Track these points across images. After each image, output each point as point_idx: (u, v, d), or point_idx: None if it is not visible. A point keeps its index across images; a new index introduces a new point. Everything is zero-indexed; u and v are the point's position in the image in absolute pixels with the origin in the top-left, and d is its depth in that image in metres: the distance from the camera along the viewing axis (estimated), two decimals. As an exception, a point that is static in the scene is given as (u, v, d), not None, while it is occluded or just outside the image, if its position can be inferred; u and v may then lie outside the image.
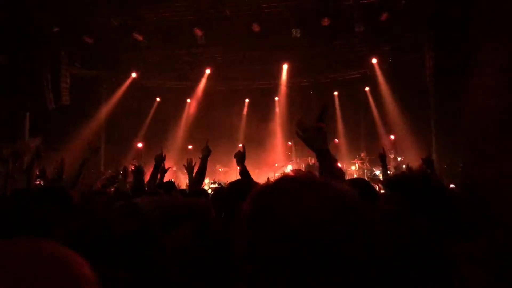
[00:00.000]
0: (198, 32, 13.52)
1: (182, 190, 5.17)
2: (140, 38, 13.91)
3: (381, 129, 15.95)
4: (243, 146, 4.32)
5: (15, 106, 10.91)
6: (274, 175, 13.09)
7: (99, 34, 13.81)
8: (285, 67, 16.21)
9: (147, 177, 5.06)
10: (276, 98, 17.93)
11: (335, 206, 0.81)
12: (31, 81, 12.71)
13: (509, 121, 0.85)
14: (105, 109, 15.52)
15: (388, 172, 7.28)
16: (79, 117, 13.87)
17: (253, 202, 0.88)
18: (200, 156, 4.61)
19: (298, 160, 16.23)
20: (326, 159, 2.03)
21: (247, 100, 18.25)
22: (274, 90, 17.51)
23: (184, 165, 4.97)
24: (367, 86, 16.37)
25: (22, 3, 10.56)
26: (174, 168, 14.09)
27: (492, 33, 0.94)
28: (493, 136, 0.84)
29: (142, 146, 16.47)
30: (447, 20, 11.07)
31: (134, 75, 15.88)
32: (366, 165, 14.43)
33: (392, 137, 15.21)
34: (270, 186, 0.91)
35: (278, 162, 16.42)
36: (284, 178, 0.93)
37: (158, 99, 17.71)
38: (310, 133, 2.07)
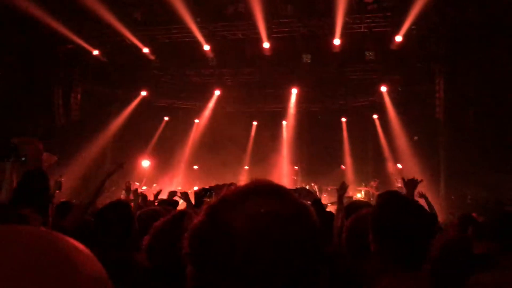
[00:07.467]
0: (209, 53, 13.70)
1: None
2: (152, 57, 14.10)
3: (388, 157, 15.84)
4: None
5: (25, 120, 10.92)
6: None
7: (112, 52, 14.01)
8: (294, 91, 16.28)
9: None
10: (284, 122, 17.95)
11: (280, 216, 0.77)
12: (42, 96, 12.82)
13: None
14: (113, 126, 15.47)
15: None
16: (86, 132, 13.84)
17: (205, 216, 0.83)
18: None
19: (304, 185, 16.09)
20: None
21: (255, 123, 18.28)
22: (283, 114, 17.55)
23: (179, 196, 4.60)
24: (376, 114, 16.34)
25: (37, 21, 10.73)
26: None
27: None
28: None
29: (148, 165, 16.42)
30: (460, 52, 11.13)
31: (144, 93, 15.98)
32: (373, 192, 14.25)
33: (400, 166, 15.07)
34: (222, 200, 0.84)
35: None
36: (237, 190, 0.89)
37: (166, 118, 17.78)
38: None
